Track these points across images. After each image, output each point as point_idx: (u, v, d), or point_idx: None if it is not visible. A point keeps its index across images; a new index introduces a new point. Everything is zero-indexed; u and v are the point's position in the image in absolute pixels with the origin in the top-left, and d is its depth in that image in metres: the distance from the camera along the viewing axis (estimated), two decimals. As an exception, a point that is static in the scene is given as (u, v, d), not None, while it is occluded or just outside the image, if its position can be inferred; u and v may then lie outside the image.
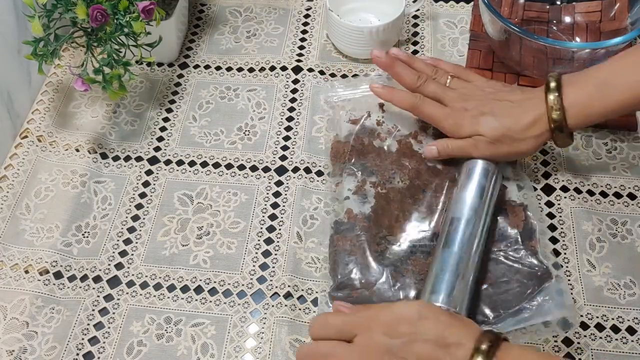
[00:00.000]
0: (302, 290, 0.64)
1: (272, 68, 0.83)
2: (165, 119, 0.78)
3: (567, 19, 0.83)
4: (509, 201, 0.66)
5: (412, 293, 0.60)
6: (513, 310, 0.59)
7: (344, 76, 0.82)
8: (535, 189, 0.70)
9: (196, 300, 0.64)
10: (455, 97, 0.66)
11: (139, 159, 0.75)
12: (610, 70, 0.61)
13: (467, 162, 0.66)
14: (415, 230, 0.64)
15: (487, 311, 0.59)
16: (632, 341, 0.60)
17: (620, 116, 0.74)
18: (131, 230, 0.69)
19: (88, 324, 0.62)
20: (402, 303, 0.56)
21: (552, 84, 0.62)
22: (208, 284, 0.65)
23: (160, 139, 0.77)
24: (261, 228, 0.69)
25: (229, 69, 0.83)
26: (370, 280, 0.61)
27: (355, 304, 0.58)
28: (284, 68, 0.83)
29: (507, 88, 0.68)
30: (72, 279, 0.65)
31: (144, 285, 0.65)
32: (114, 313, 0.63)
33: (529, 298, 0.59)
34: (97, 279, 0.65)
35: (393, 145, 0.70)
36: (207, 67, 0.84)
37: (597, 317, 0.62)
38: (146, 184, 0.73)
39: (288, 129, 0.77)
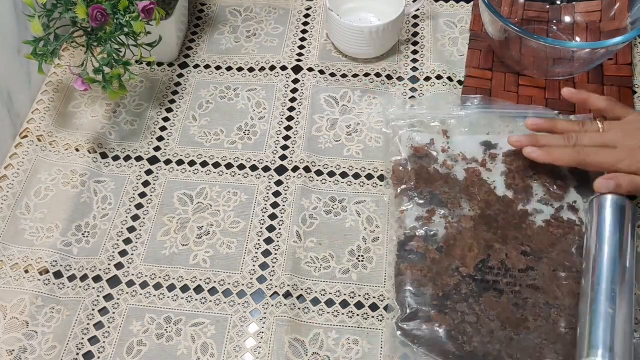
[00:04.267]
0: (302, 289, 0.64)
1: (272, 68, 0.83)
2: (165, 119, 0.78)
3: (567, 19, 0.83)
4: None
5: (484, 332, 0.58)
6: None
7: (343, 76, 0.82)
8: None
9: (196, 300, 0.64)
10: (621, 137, 0.63)
11: (139, 158, 0.75)
12: None
13: (595, 199, 0.63)
14: (489, 263, 0.61)
15: None
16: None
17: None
18: (131, 230, 0.69)
19: (88, 324, 0.62)
20: None
21: None
22: (208, 283, 0.65)
23: (160, 138, 0.77)
24: (261, 228, 0.69)
25: (229, 68, 0.83)
26: (441, 314, 0.59)
27: (426, 338, 0.58)
28: (284, 68, 0.83)
29: None
30: (72, 278, 0.65)
31: (144, 285, 0.65)
32: (114, 313, 0.63)
33: None
34: (97, 279, 0.65)
35: (460, 173, 0.68)
36: (207, 67, 0.84)
37: (597, 317, 0.62)
38: (146, 183, 0.73)
39: (288, 128, 0.77)
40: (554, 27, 0.83)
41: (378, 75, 0.82)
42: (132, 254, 0.67)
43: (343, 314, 0.63)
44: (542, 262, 0.62)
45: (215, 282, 0.65)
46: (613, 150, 0.63)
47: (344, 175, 0.73)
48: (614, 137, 0.64)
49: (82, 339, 0.62)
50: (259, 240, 0.68)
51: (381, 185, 0.72)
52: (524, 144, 0.67)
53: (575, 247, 0.63)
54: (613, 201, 0.61)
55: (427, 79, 0.81)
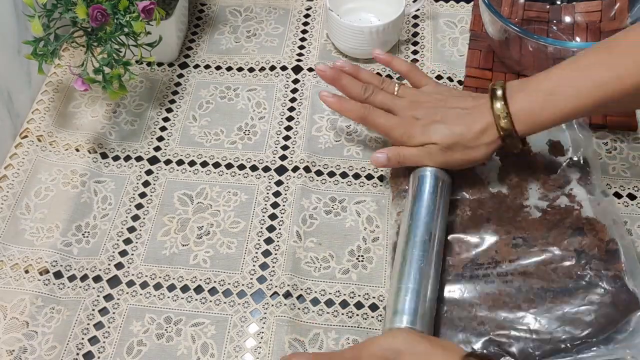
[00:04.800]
0: (302, 289, 0.64)
1: (272, 68, 0.83)
2: (165, 119, 0.78)
3: (567, 19, 0.83)
4: (586, 219, 0.63)
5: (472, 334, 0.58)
6: (596, 340, 0.56)
7: (344, 76, 0.82)
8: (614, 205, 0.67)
9: (196, 300, 0.64)
10: (404, 106, 0.66)
11: (139, 158, 0.75)
12: (558, 78, 0.59)
13: (415, 171, 0.65)
14: (478, 260, 0.62)
15: (567, 342, 0.56)
16: (632, 341, 0.61)
17: (620, 116, 0.75)
18: (131, 230, 0.69)
19: (88, 324, 0.62)
20: (382, 340, 0.53)
21: (499, 92, 0.60)
22: (208, 283, 0.65)
23: (160, 138, 0.77)
24: (261, 228, 0.69)
25: (229, 68, 0.83)
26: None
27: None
28: (284, 68, 0.83)
29: (456, 93, 0.67)
30: (72, 278, 0.65)
31: (144, 285, 0.65)
32: (114, 313, 0.63)
33: (612, 329, 0.56)
34: (97, 279, 0.65)
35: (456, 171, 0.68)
36: (207, 67, 0.84)
37: (597, 317, 0.62)
38: (146, 183, 0.73)
39: (288, 128, 0.77)
40: (554, 27, 0.83)
41: (378, 75, 0.81)
42: (132, 254, 0.67)
43: (343, 314, 0.63)
44: (536, 249, 0.61)
45: (215, 282, 0.65)
46: (393, 117, 0.66)
47: (343, 175, 0.73)
48: (401, 104, 0.66)
49: (82, 339, 0.62)
50: (259, 240, 0.68)
51: (381, 185, 0.72)
52: (327, 76, 0.70)
53: (574, 229, 0.62)
54: (431, 173, 0.64)
55: (427, 79, 0.81)
